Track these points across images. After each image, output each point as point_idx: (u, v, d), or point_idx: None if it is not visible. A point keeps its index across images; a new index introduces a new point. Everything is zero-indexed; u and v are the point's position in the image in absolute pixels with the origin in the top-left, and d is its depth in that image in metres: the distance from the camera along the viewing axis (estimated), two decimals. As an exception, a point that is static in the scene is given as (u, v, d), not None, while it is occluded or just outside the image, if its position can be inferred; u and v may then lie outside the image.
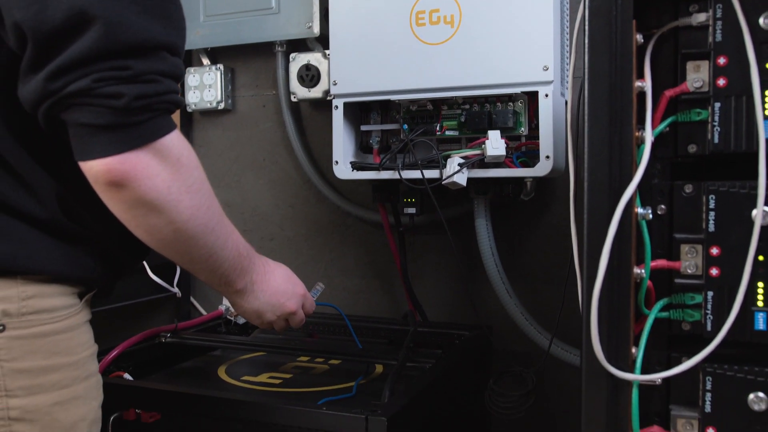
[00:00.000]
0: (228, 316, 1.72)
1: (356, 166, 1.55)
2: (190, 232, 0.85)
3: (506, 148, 1.40)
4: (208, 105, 1.90)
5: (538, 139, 1.40)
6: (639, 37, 0.84)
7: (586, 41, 0.81)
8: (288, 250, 1.90)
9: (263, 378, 1.42)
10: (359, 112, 1.61)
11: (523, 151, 1.47)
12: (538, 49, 1.38)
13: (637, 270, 0.85)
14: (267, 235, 1.92)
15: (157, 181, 0.78)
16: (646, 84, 0.84)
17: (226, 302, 1.72)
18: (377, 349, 1.65)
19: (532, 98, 1.44)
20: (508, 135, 1.46)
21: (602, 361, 0.80)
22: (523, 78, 1.40)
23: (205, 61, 1.90)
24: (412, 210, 1.56)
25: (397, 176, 1.48)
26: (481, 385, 1.41)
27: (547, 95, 1.38)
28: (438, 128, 1.52)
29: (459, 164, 1.42)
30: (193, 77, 1.89)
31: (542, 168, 1.39)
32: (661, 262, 0.86)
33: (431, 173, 1.46)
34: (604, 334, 0.82)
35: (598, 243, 0.80)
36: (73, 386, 0.84)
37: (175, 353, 1.57)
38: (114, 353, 1.39)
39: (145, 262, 1.74)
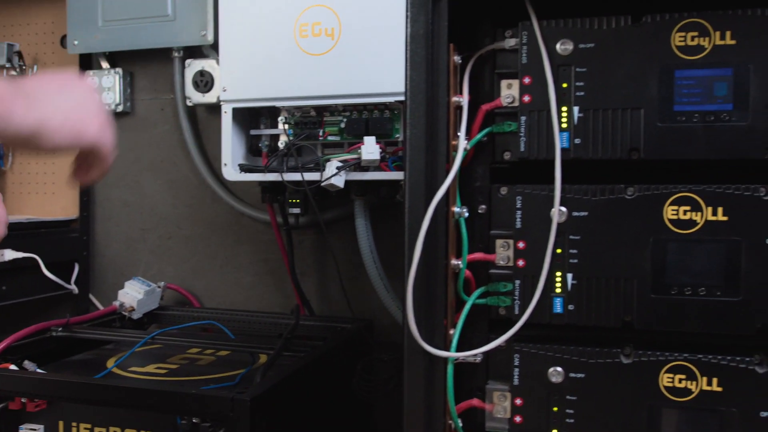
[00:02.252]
0: (123, 312, 1.78)
1: (244, 168, 1.64)
2: None
3: (382, 152, 1.52)
4: (108, 108, 1.95)
5: (410, 145, 1.52)
6: (457, 58, 0.96)
7: (407, 61, 0.93)
8: (185, 248, 1.97)
9: (150, 368, 1.50)
10: (249, 116, 1.70)
11: (399, 155, 1.59)
12: (409, 62, 1.50)
13: (456, 262, 0.97)
14: (165, 234, 1.99)
15: None
16: (463, 99, 0.96)
17: (120, 298, 1.79)
18: (263, 340, 1.74)
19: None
20: (386, 141, 1.57)
21: (418, 340, 0.92)
22: (396, 88, 1.52)
23: (105, 64, 1.96)
24: (296, 210, 1.66)
25: (281, 178, 1.58)
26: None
27: (417, 105, 1.50)
28: (321, 133, 1.63)
29: (337, 167, 1.53)
30: (92, 80, 1.95)
31: (413, 172, 1.51)
32: (478, 255, 0.99)
33: (313, 176, 1.57)
34: (422, 317, 0.93)
35: (414, 238, 0.91)
36: None
37: (66, 347, 1.62)
38: (0, 346, 1.44)
39: (40, 260, 1.79)
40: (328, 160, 1.56)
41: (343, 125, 1.61)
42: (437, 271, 0.93)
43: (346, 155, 1.57)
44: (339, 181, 1.53)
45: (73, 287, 1.94)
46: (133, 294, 1.79)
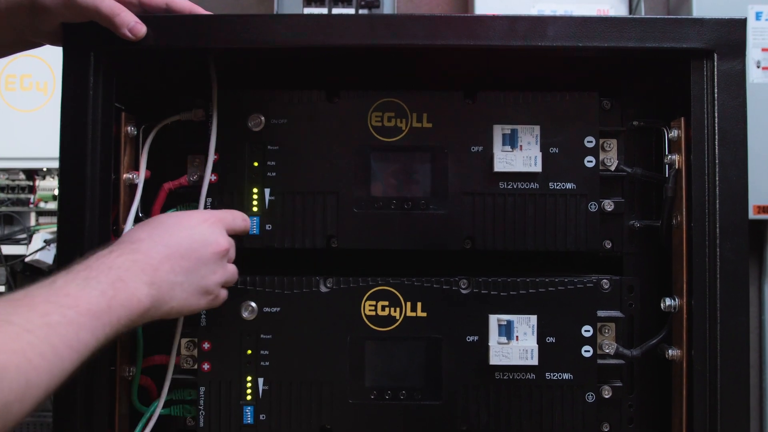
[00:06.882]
0: None
1: (-68, 240, 1.39)
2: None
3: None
4: None
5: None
6: (131, 129, 0.83)
7: (60, 128, 0.77)
8: None
9: None
10: (-54, 178, 1.45)
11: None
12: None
13: (130, 368, 0.82)
14: None
15: None
16: (139, 176, 0.83)
17: None
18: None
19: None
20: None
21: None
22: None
23: None
24: (1, 288, 1.43)
25: (-21, 252, 1.34)
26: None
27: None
28: (32, 200, 1.42)
29: (45, 240, 1.33)
30: None
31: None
32: (159, 358, 0.84)
33: (20, 248, 1.35)
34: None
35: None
36: None
37: None
38: None
39: None
40: (38, 230, 1.36)
41: (57, 192, 1.41)
42: (100, 379, 0.77)
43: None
44: (47, 257, 1.32)
45: None
46: None
